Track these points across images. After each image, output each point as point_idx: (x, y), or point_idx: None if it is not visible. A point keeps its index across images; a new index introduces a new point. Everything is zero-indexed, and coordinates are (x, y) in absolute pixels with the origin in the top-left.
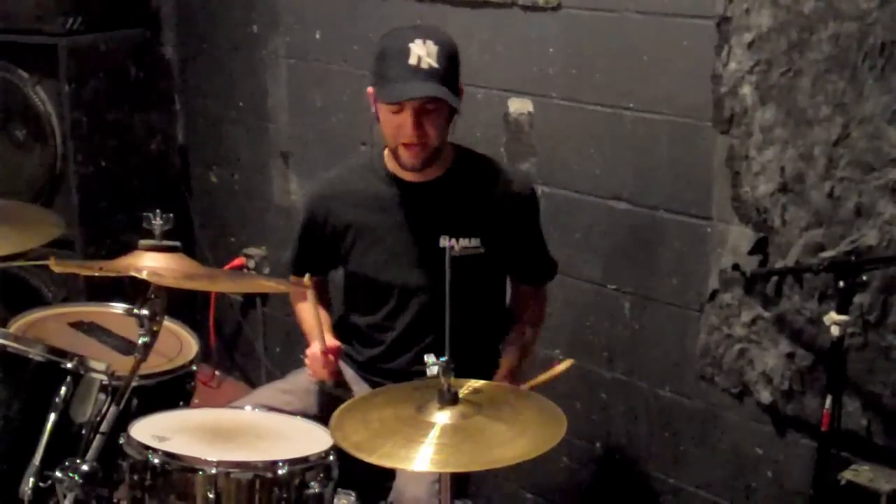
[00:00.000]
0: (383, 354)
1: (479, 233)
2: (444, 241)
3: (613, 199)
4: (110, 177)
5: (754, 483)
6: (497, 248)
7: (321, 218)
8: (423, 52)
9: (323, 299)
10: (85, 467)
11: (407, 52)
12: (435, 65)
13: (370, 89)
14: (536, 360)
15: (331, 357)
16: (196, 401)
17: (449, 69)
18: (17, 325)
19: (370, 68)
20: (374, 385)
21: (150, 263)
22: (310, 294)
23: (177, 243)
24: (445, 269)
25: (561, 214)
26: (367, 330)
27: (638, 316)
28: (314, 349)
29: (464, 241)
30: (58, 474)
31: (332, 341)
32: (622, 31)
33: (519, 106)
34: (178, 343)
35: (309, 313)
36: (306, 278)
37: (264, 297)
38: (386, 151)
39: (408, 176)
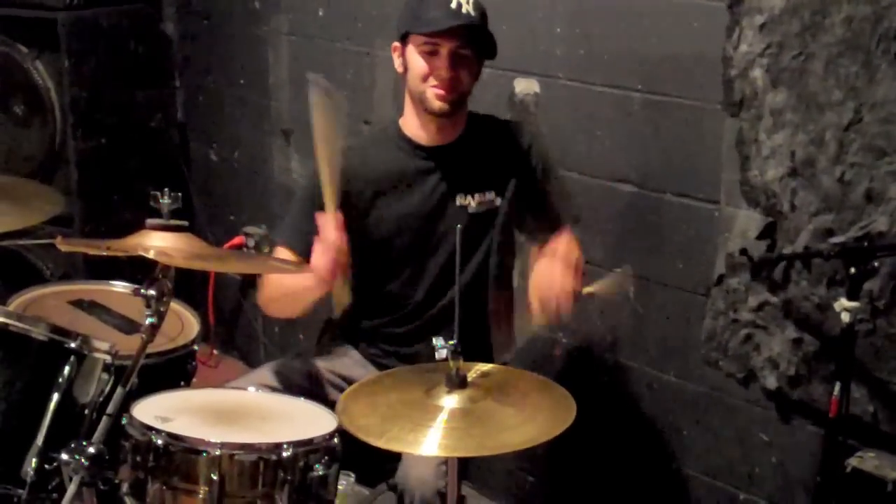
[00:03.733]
0: (401, 321)
1: (493, 185)
2: (461, 199)
3: (620, 182)
4: (110, 153)
5: (758, 469)
6: (514, 198)
7: (339, 184)
8: (462, 0)
9: None
10: (91, 449)
11: None
12: (473, 13)
13: (395, 44)
14: (536, 346)
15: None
16: (194, 380)
17: (485, 24)
18: (17, 302)
19: (401, 19)
20: (380, 367)
21: (157, 243)
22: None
23: (184, 223)
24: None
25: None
26: (385, 299)
27: (643, 299)
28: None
29: (479, 196)
30: (64, 456)
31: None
32: (631, 11)
33: (525, 86)
34: (180, 322)
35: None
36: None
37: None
38: (401, 120)
39: (425, 140)
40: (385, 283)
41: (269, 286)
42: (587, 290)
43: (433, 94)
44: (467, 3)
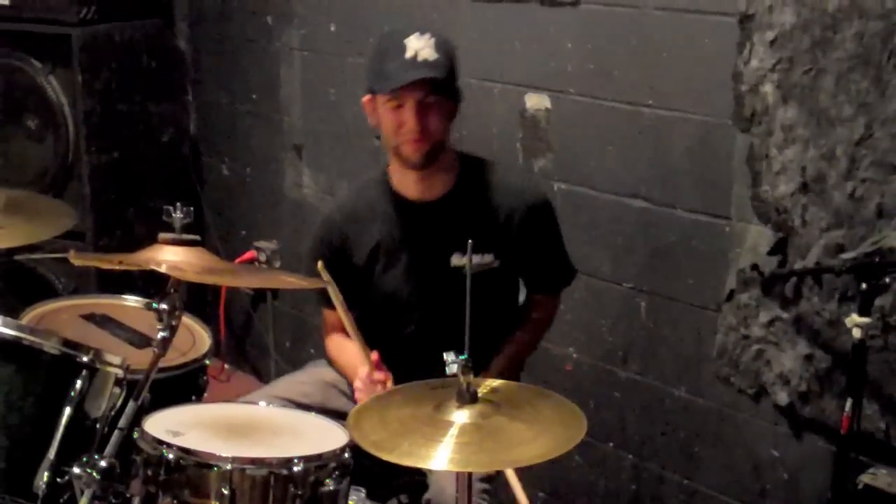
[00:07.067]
0: (394, 374)
1: (492, 248)
2: (456, 260)
3: (631, 197)
4: (122, 167)
5: (769, 485)
6: (512, 261)
7: (338, 245)
8: (419, 45)
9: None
10: (103, 463)
11: (403, 47)
12: (431, 57)
13: (366, 98)
14: (548, 361)
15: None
16: (206, 394)
17: (447, 62)
18: (29, 316)
19: (366, 74)
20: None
21: (169, 257)
22: (332, 291)
23: (196, 237)
24: (458, 286)
25: (577, 212)
26: (380, 350)
27: (654, 315)
28: (362, 374)
29: (476, 258)
30: (76, 470)
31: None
32: (642, 27)
33: (536, 102)
34: (191, 337)
35: (346, 346)
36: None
37: (275, 291)
38: (389, 169)
39: (414, 195)
40: (379, 336)
41: (331, 349)
42: None
43: (407, 149)
44: (426, 47)
